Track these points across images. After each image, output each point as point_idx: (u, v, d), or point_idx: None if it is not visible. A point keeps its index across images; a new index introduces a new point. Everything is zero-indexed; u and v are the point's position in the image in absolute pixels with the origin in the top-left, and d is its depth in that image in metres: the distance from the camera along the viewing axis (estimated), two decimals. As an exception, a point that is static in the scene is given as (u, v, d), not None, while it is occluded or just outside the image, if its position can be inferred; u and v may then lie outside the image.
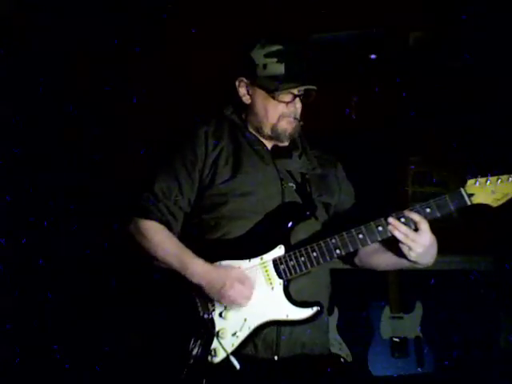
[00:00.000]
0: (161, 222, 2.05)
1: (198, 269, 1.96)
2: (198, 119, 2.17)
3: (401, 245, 1.92)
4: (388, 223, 1.92)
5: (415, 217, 1.91)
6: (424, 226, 1.90)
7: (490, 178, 1.90)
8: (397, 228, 1.91)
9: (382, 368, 3.61)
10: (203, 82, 3.60)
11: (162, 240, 2.03)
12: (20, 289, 3.47)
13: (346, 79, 3.99)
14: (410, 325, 3.71)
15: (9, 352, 3.32)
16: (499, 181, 1.90)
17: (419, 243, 1.91)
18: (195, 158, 2.07)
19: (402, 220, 1.92)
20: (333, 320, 3.74)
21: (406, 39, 3.96)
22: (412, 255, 1.93)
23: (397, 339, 3.67)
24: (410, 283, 3.83)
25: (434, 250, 1.99)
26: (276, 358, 1.99)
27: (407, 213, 1.92)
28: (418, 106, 3.97)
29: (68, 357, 3.37)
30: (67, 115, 3.74)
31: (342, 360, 3.66)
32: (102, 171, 3.76)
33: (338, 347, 3.70)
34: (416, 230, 1.91)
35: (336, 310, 3.75)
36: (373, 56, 4.04)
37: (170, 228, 2.06)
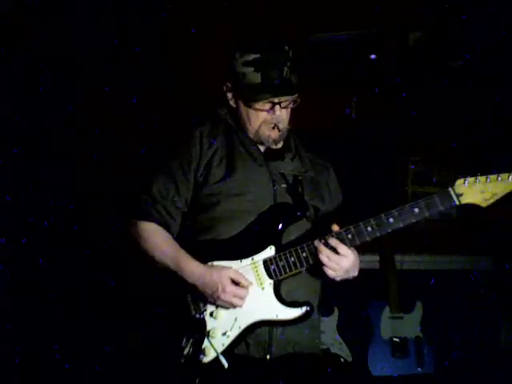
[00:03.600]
0: (159, 223, 2.08)
1: (192, 271, 1.99)
2: (194, 120, 2.19)
3: (325, 268, 1.96)
4: (314, 246, 1.96)
5: (332, 242, 1.95)
6: (342, 250, 1.95)
7: (479, 178, 1.90)
8: (320, 251, 1.95)
9: (382, 368, 3.61)
10: (200, 83, 3.60)
11: (159, 242, 2.06)
12: (20, 289, 3.47)
13: (346, 79, 3.99)
14: (409, 325, 3.71)
15: (9, 352, 3.32)
16: (488, 180, 1.90)
17: (341, 266, 1.96)
18: (190, 158, 2.10)
19: (324, 242, 1.95)
20: (333, 320, 3.74)
21: (405, 39, 3.96)
22: (337, 277, 1.98)
23: (397, 339, 3.67)
24: (410, 283, 3.84)
25: (355, 271, 2.03)
26: (268, 357, 2.01)
27: (327, 237, 1.96)
28: (418, 105, 3.97)
29: (68, 357, 3.37)
30: (67, 115, 3.74)
31: (341, 360, 3.67)
32: (101, 171, 3.76)
33: (338, 347, 3.70)
34: (338, 253, 1.94)
35: (336, 310, 3.76)
36: (373, 56, 4.04)
37: (168, 228, 2.09)
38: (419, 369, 3.59)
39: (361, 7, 3.71)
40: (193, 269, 1.99)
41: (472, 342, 3.75)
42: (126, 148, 3.77)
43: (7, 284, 3.45)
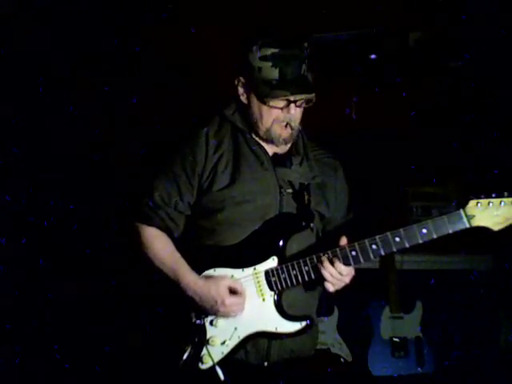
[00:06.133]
0: (160, 228, 2.06)
1: (190, 284, 1.99)
2: (199, 119, 2.15)
3: (326, 283, 1.97)
4: (317, 261, 1.95)
5: (335, 260, 1.93)
6: (341, 268, 1.94)
7: (493, 201, 1.83)
8: (324, 268, 1.94)
9: (382, 368, 3.61)
10: (204, 81, 3.60)
11: (159, 250, 2.05)
12: (20, 289, 3.47)
13: (346, 79, 3.98)
14: (409, 325, 3.71)
15: (9, 352, 3.31)
16: (502, 204, 1.83)
17: (343, 281, 1.98)
18: (195, 162, 2.05)
19: (328, 258, 1.94)
20: (333, 320, 3.74)
21: (405, 39, 3.95)
22: (331, 290, 1.99)
23: (397, 339, 3.66)
24: (410, 283, 3.83)
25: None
26: (266, 364, 2.01)
27: (331, 253, 1.95)
28: (418, 106, 3.97)
29: (68, 357, 3.37)
30: (67, 115, 3.74)
31: (341, 360, 3.66)
32: (101, 171, 3.76)
33: (338, 347, 3.69)
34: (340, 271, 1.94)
35: (336, 310, 3.76)
36: (373, 56, 4.04)
37: (170, 233, 2.07)
38: (419, 369, 3.59)
39: (361, 7, 3.71)
40: (190, 283, 1.98)
41: (472, 342, 3.74)
42: (125, 148, 3.77)
43: (7, 284, 3.45)
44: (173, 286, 2.01)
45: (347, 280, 1.98)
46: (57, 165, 3.68)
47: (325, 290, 2.00)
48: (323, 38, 3.95)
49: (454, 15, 3.69)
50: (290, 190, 2.07)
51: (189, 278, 1.99)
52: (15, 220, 3.54)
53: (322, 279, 1.97)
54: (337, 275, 1.94)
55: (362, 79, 4.00)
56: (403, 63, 4.00)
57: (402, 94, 3.96)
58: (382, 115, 3.96)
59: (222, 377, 1.94)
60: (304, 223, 2.04)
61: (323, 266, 1.94)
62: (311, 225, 2.07)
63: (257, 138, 2.11)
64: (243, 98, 2.08)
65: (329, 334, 3.70)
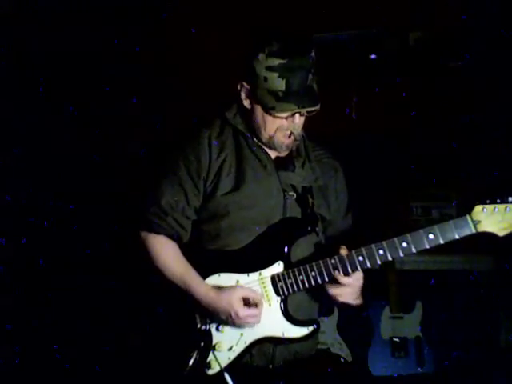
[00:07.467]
0: (169, 236, 2.04)
1: (202, 295, 1.97)
2: (199, 121, 2.14)
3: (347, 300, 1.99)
4: (323, 266, 1.95)
5: (341, 279, 1.94)
6: (344, 280, 1.94)
7: (498, 207, 1.84)
8: (338, 295, 1.97)
9: (382, 368, 3.60)
10: (205, 83, 3.60)
11: (168, 260, 2.03)
12: (20, 289, 3.47)
13: (346, 79, 3.98)
14: (410, 325, 3.70)
15: (9, 352, 3.31)
16: (508, 210, 1.84)
17: (357, 286, 1.98)
18: (200, 167, 2.03)
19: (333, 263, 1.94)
20: (333, 320, 3.74)
21: (405, 39, 3.96)
22: (359, 302, 2.02)
23: (397, 339, 3.66)
24: (410, 283, 3.83)
25: (359, 299, 2.05)
26: (271, 366, 2.01)
27: (337, 259, 1.94)
28: (418, 106, 3.97)
29: (68, 357, 3.37)
30: (67, 115, 3.74)
31: (341, 360, 3.66)
32: (102, 171, 3.76)
33: (338, 347, 3.69)
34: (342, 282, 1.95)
35: (336, 310, 3.75)
36: (373, 56, 4.04)
37: (179, 239, 2.06)
38: (419, 369, 3.58)
39: (361, 7, 3.71)
40: (202, 293, 1.97)
41: (472, 342, 3.74)
42: (126, 148, 3.78)
43: (7, 284, 3.45)
44: (183, 294, 2.00)
45: (361, 281, 1.98)
46: (57, 165, 3.68)
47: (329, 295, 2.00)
48: (323, 37, 3.95)
49: (454, 15, 3.70)
50: (292, 194, 2.06)
51: (200, 288, 1.97)
52: (15, 220, 3.54)
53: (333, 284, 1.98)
54: (348, 289, 1.96)
55: (362, 79, 4.00)
56: (403, 63, 4.00)
57: (402, 94, 3.96)
58: (381, 115, 3.96)
59: (230, 383, 1.94)
60: (309, 227, 2.04)
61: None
62: (316, 229, 2.06)
63: (258, 142, 2.10)
64: (246, 104, 2.05)
65: (329, 334, 3.70)
